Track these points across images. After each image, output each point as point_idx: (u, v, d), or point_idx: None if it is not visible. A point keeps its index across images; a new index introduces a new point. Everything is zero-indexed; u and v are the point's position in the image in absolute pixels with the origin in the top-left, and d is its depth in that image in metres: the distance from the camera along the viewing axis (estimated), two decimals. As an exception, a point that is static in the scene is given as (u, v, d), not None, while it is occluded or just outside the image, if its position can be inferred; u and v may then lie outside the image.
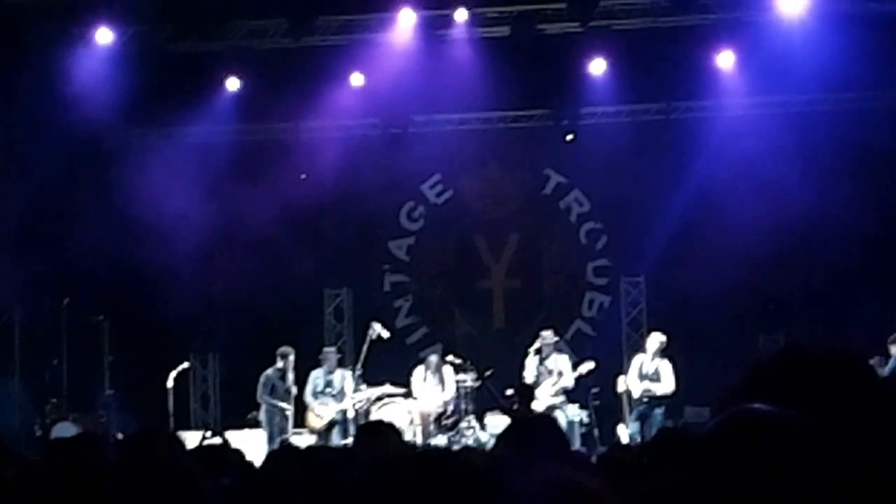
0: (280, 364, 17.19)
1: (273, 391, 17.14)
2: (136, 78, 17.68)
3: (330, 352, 17.83)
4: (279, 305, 19.90)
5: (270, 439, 16.73)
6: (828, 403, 1.93)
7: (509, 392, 16.35)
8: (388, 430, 5.85)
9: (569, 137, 19.81)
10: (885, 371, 15.84)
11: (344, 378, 17.39)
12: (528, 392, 16.31)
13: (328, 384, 17.27)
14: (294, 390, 17.18)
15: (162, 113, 18.66)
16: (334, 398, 17.24)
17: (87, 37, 17.58)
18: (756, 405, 1.90)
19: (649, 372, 16.71)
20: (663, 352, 16.78)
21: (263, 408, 17.19)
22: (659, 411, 16.69)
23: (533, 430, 5.39)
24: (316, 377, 17.33)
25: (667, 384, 16.58)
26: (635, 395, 16.70)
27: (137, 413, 17.55)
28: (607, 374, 17.23)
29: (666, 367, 16.66)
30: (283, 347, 17.38)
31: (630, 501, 2.68)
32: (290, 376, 17.18)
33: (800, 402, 1.92)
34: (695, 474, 1.89)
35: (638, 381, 16.71)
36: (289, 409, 17.08)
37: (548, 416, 13.63)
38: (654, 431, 15.82)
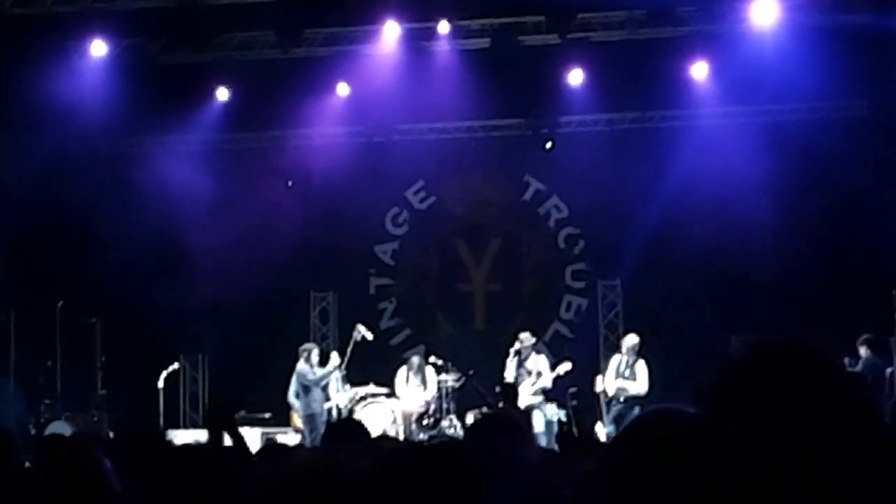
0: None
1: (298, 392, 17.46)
2: (129, 88, 17.99)
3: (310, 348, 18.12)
4: (267, 308, 20.16)
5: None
6: (798, 399, 1.96)
7: (496, 390, 16.73)
8: (356, 429, 5.97)
9: (548, 145, 20.03)
10: (857, 370, 16.12)
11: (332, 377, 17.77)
12: (512, 390, 16.69)
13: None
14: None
15: (154, 122, 18.91)
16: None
17: (82, 49, 17.85)
18: (668, 406, 1.94)
19: (625, 372, 17.05)
20: (638, 353, 17.13)
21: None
22: (635, 412, 17.01)
23: (499, 423, 5.81)
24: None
25: (641, 384, 16.92)
26: (610, 393, 17.01)
27: (129, 413, 17.94)
28: (585, 375, 17.52)
29: (641, 368, 17.01)
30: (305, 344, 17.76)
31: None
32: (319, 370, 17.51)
33: (771, 398, 1.96)
34: (607, 470, 1.95)
35: (614, 380, 17.10)
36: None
37: (513, 415, 14.06)
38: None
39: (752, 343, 2.14)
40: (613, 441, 2.01)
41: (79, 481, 3.82)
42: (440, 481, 2.35)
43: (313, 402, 17.25)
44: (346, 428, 6.57)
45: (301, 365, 17.35)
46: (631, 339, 17.30)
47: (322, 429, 16.53)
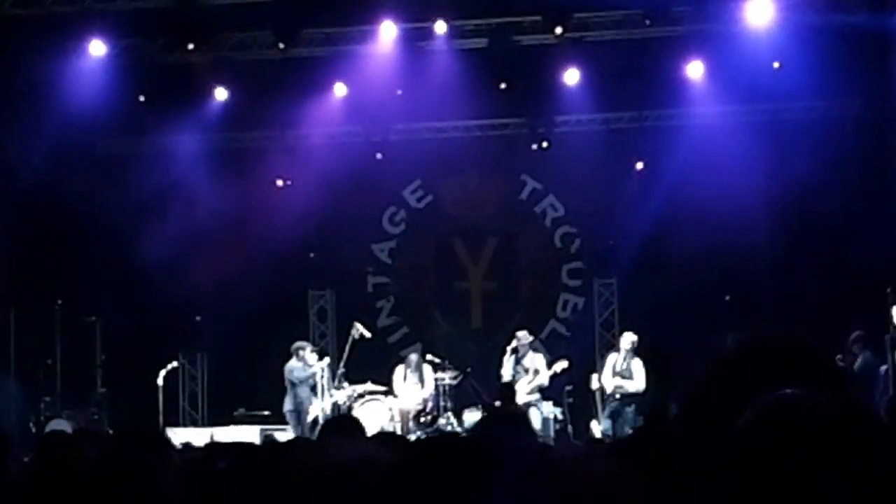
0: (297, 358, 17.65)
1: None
2: (127, 88, 18.15)
3: (301, 347, 18.22)
4: (265, 306, 20.16)
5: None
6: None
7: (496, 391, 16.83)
8: (352, 426, 6.04)
9: (544, 145, 20.09)
10: (855, 368, 16.12)
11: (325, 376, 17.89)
12: (509, 390, 16.80)
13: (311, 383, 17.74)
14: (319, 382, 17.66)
15: (152, 122, 19.00)
16: (317, 396, 17.72)
17: (81, 49, 17.88)
18: (785, 391, 1.88)
19: (622, 370, 17.14)
20: (635, 351, 17.21)
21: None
22: (630, 409, 17.02)
23: (506, 421, 5.89)
24: (290, 370, 17.78)
25: (638, 382, 16.99)
26: (608, 390, 17.09)
27: (128, 410, 18.02)
28: (581, 373, 17.65)
29: (638, 366, 17.07)
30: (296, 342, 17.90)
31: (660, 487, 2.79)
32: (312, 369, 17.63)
33: (763, 391, 1.92)
34: (741, 463, 1.86)
35: (611, 377, 17.19)
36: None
37: (518, 412, 14.17)
38: (626, 428, 16.34)
39: (742, 340, 2.16)
40: (742, 435, 1.91)
41: (78, 477, 3.87)
42: (466, 474, 2.33)
43: (298, 399, 17.41)
44: (342, 424, 6.64)
45: (291, 362, 17.52)
46: (628, 338, 17.37)
47: (305, 426, 16.81)
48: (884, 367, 16.24)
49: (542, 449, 5.09)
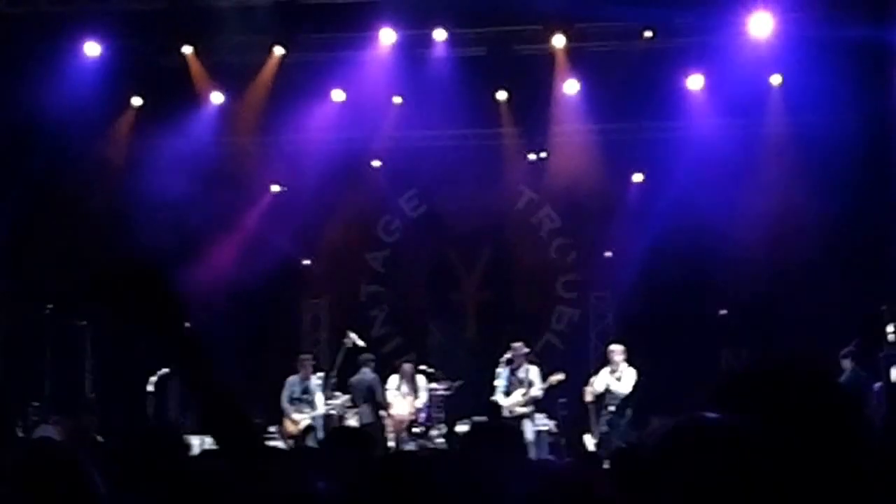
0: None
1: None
2: (122, 90, 18.03)
3: (306, 359, 18.16)
4: (258, 313, 20.15)
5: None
6: (795, 413, 1.96)
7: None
8: (357, 436, 6.01)
9: (542, 155, 20.08)
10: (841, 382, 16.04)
11: (318, 384, 17.79)
12: (495, 410, 16.67)
13: (304, 391, 17.63)
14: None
15: (147, 125, 18.90)
16: (309, 404, 17.63)
17: (76, 50, 17.80)
18: (702, 413, 1.92)
19: (616, 374, 17.11)
20: (627, 361, 17.12)
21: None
22: (624, 421, 17.03)
23: (496, 435, 5.78)
24: (292, 384, 17.69)
25: (625, 386, 16.95)
26: (601, 389, 17.03)
27: (118, 417, 17.85)
28: (575, 386, 17.49)
29: (630, 373, 17.03)
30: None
31: None
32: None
33: (769, 412, 1.95)
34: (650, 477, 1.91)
35: (606, 378, 17.12)
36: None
37: (510, 425, 14.04)
38: (621, 437, 16.30)
39: (747, 361, 2.15)
40: (652, 450, 1.96)
41: (65, 488, 3.76)
42: (427, 491, 2.23)
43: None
44: (349, 436, 6.57)
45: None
46: (618, 347, 17.27)
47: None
48: (877, 385, 16.16)
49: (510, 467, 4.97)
